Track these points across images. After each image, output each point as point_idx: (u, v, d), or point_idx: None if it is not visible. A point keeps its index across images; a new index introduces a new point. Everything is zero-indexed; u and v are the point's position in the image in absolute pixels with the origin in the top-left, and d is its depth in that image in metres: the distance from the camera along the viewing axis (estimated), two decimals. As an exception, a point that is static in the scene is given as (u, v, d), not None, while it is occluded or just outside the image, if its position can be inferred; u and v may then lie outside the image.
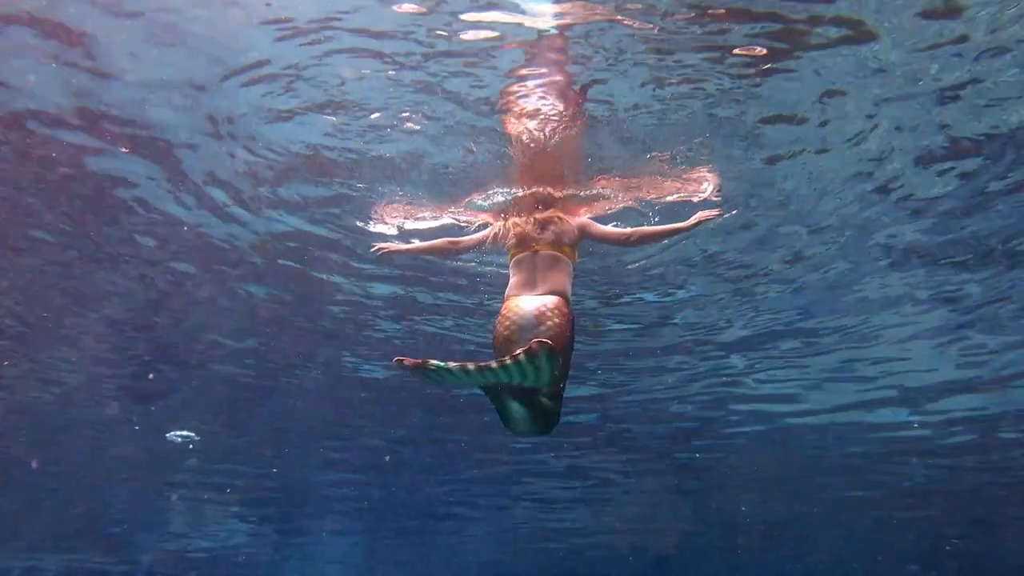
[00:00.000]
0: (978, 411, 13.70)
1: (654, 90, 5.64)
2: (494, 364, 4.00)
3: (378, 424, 15.85)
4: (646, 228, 5.59)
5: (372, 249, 6.52)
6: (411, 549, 32.62)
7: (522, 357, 3.91)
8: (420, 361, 4.07)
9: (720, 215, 5.59)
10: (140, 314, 10.38)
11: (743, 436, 16.06)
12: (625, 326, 10.78)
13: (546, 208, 6.09)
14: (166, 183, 7.34)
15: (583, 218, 5.78)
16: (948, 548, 28.33)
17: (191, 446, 16.84)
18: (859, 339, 10.81)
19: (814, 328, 10.52)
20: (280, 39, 5.33)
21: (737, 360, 11.93)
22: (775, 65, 5.35)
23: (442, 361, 4.07)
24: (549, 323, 4.55)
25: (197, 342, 11.41)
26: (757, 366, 12.16)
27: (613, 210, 7.16)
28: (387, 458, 18.07)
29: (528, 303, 4.72)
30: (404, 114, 6.05)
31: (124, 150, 6.76)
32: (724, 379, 12.86)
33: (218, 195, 7.54)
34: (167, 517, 24.41)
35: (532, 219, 5.53)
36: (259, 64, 5.61)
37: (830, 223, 7.73)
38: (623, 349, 11.61)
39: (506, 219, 5.77)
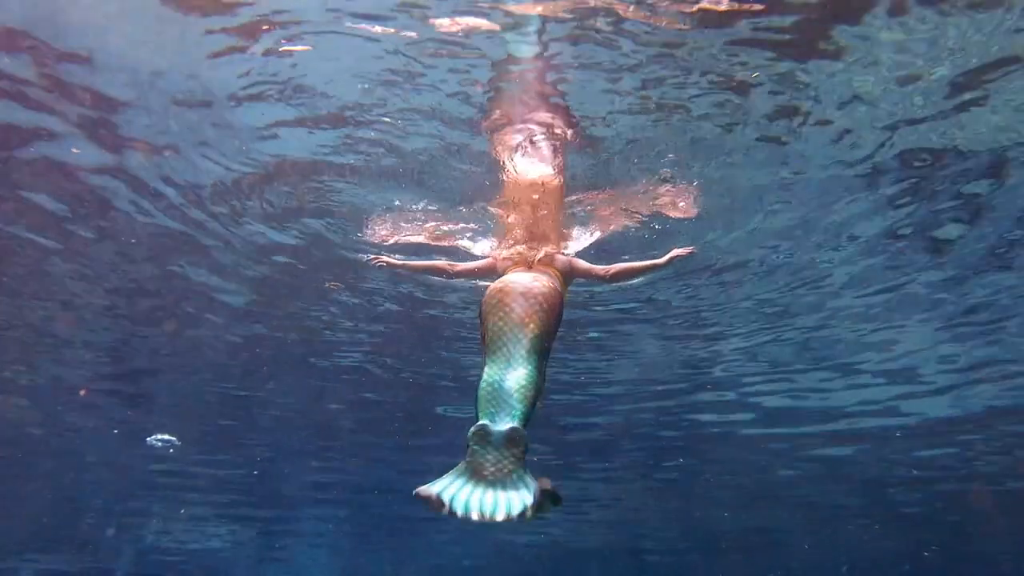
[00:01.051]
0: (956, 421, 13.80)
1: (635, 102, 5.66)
2: (499, 517, 3.84)
3: (358, 435, 15.81)
4: (623, 264, 5.77)
5: (368, 259, 6.60)
6: (389, 559, 32.55)
7: (529, 514, 3.80)
8: (439, 503, 3.85)
9: (693, 252, 5.76)
10: (120, 321, 10.24)
11: (723, 444, 16.11)
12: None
13: (536, 240, 6.35)
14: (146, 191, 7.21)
15: (571, 255, 6.02)
16: (926, 554, 28.62)
17: (171, 450, 16.70)
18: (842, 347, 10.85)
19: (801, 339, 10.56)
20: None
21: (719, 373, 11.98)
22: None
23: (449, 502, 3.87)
24: (543, 283, 4.69)
25: (180, 352, 11.29)
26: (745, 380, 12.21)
27: (600, 235, 7.20)
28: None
29: (522, 274, 4.94)
30: (390, 123, 5.98)
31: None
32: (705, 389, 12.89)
33: (201, 205, 7.43)
34: (144, 520, 24.18)
35: (526, 252, 5.84)
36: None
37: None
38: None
39: (503, 254, 6.01)
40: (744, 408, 13.52)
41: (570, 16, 4.74)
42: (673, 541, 28.61)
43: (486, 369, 4.27)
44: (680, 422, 14.55)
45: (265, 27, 4.96)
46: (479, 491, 3.91)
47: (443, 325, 10.25)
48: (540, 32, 4.89)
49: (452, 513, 3.84)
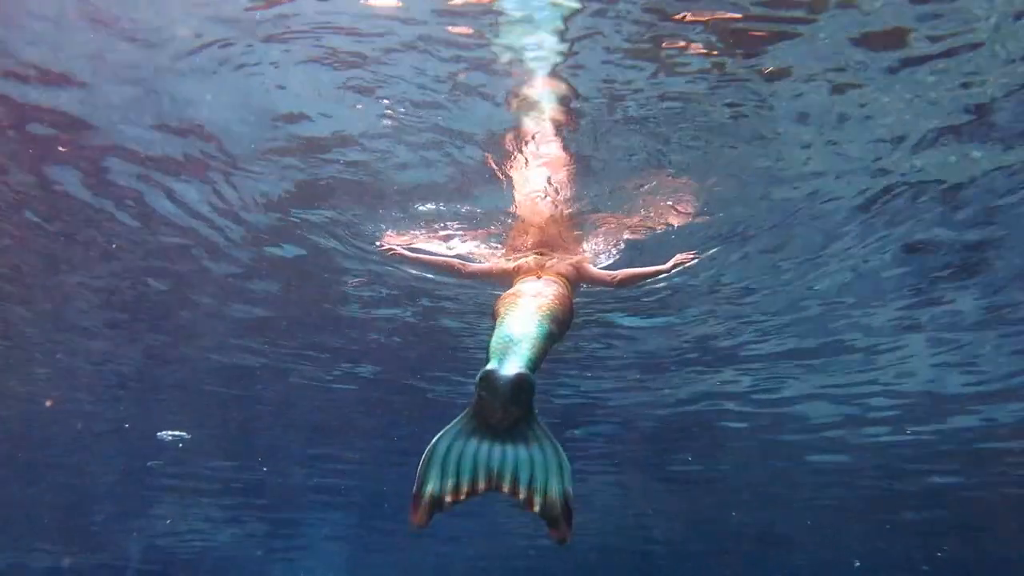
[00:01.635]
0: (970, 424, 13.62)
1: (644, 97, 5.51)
2: (506, 486, 3.88)
3: (366, 430, 15.79)
4: (629, 270, 5.91)
5: (380, 247, 6.81)
6: (396, 552, 32.67)
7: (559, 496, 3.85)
8: (433, 501, 3.86)
9: (697, 257, 5.80)
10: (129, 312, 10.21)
11: (735, 442, 16.00)
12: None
13: (545, 248, 6.44)
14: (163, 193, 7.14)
15: (578, 259, 6.10)
16: (939, 555, 28.45)
17: (180, 445, 16.73)
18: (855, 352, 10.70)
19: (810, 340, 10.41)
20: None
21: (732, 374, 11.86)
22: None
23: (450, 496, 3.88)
24: (553, 288, 4.83)
25: (188, 345, 11.26)
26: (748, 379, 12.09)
27: (609, 241, 7.14)
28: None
29: (532, 283, 5.11)
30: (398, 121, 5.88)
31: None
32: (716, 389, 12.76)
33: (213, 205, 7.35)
34: (153, 515, 24.31)
35: (536, 258, 5.96)
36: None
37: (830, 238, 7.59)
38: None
39: (514, 260, 6.13)
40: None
41: (578, 7, 4.62)
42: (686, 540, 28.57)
43: (497, 330, 4.33)
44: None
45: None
46: (486, 444, 3.90)
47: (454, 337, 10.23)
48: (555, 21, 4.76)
49: (455, 495, 3.83)
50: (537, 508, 3.79)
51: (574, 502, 3.82)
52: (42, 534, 26.12)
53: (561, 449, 3.88)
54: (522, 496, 3.79)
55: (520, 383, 3.87)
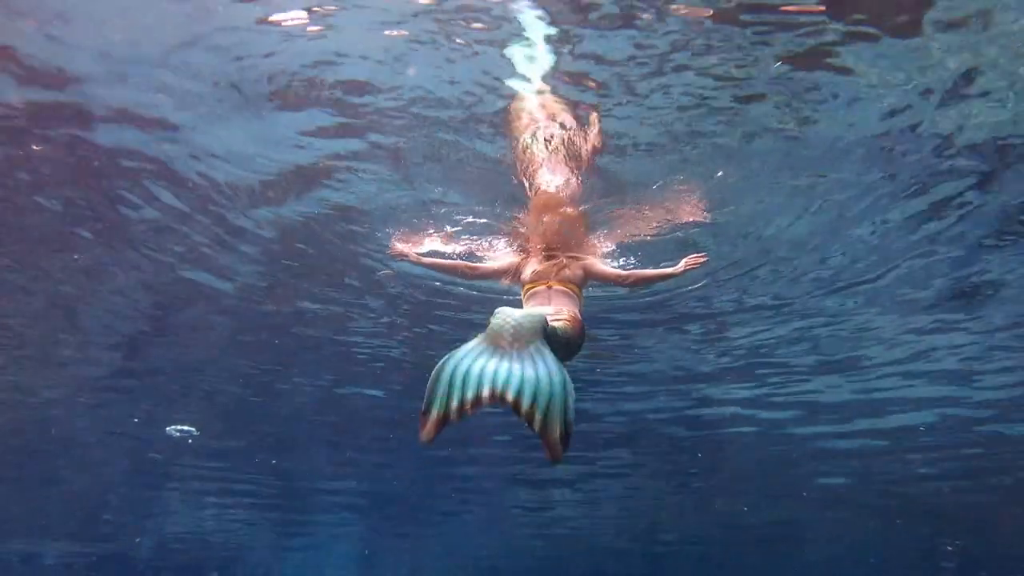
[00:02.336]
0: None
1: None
2: (510, 395, 3.82)
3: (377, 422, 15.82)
4: (639, 272, 6.02)
5: (390, 251, 6.87)
6: (407, 550, 32.79)
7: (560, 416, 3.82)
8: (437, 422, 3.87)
9: (706, 260, 5.82)
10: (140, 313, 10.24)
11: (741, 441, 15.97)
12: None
13: (555, 248, 6.37)
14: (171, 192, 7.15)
15: (588, 259, 6.07)
16: (949, 548, 28.33)
17: (190, 440, 16.76)
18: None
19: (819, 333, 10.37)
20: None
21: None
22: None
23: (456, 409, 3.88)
24: (565, 315, 4.82)
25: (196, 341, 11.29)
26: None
27: (618, 239, 7.09)
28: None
29: (545, 307, 5.10)
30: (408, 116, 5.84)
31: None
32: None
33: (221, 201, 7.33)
34: (165, 508, 24.46)
35: (546, 260, 5.94)
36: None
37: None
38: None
39: (523, 258, 6.12)
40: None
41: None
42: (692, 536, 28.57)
43: None
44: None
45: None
46: (494, 360, 3.89)
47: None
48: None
49: (461, 410, 3.82)
50: (537, 427, 3.79)
51: (574, 427, 3.83)
52: (57, 525, 26.44)
53: (568, 377, 3.88)
54: (524, 411, 3.78)
55: (530, 313, 3.99)
